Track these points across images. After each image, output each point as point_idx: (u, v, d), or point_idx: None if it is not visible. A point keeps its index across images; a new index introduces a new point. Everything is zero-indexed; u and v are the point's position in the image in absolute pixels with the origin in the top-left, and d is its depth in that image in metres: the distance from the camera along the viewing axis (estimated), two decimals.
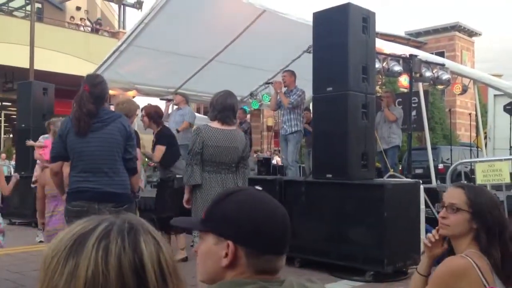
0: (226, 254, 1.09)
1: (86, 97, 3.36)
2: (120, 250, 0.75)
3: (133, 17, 22.08)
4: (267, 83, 9.00)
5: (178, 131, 8.05)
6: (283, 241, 1.13)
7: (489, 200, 1.95)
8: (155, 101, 9.63)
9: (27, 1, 20.09)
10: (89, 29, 21.45)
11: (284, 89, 7.74)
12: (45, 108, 9.26)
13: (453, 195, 1.99)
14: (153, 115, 5.85)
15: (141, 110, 6.25)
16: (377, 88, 9.41)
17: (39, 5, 21.04)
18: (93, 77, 3.59)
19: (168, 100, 8.99)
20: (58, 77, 15.00)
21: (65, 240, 0.78)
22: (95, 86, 3.44)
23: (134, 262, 0.75)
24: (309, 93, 7.17)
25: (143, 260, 0.75)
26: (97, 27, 21.55)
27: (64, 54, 17.55)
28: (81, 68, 15.48)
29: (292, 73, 7.74)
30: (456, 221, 1.95)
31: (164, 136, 5.81)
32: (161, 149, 5.68)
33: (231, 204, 1.14)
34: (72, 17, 21.91)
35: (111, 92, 9.25)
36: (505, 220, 1.93)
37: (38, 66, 15.04)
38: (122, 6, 22.66)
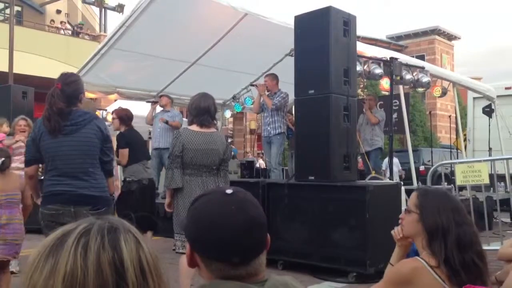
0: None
1: (57, 95, 3.28)
2: (99, 247, 0.75)
3: (114, 20, 22.02)
4: (251, 85, 8.98)
5: (166, 122, 8.03)
6: (229, 251, 1.10)
7: (436, 203, 2.00)
8: (140, 104, 9.59)
9: (6, 4, 19.81)
10: (70, 32, 21.24)
11: (267, 93, 7.76)
12: (25, 112, 9.07)
13: (410, 198, 2.13)
14: (124, 118, 5.86)
15: (112, 113, 6.25)
16: (359, 91, 9.51)
17: (19, 8, 20.77)
18: (66, 75, 3.48)
19: (154, 103, 8.93)
20: (38, 80, 14.81)
21: (48, 241, 0.79)
22: (67, 84, 3.36)
23: (114, 259, 0.75)
24: (291, 96, 7.20)
25: (123, 258, 0.76)
26: (78, 30, 21.35)
27: (44, 58, 17.34)
28: (61, 71, 15.27)
29: (274, 77, 7.75)
30: (407, 221, 2.07)
31: (123, 137, 5.78)
32: (124, 152, 5.65)
33: (191, 210, 1.20)
34: (52, 20, 21.67)
35: (91, 95, 9.18)
36: (451, 225, 1.93)
37: (17, 69, 14.82)
38: (103, 9, 22.48)
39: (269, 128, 7.66)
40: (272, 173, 7.68)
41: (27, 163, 3.44)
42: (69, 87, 3.36)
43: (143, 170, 5.75)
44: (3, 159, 4.12)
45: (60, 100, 3.28)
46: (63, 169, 3.30)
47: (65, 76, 3.45)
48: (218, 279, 1.11)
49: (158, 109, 8.80)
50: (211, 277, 1.12)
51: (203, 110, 4.00)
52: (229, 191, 1.17)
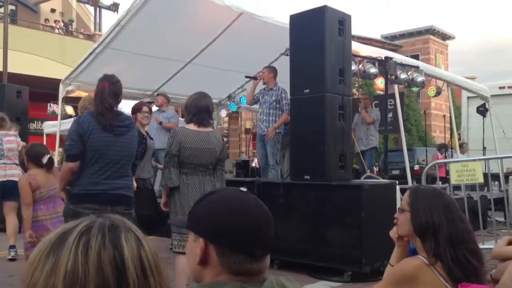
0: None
1: (108, 92, 3.40)
2: (100, 246, 0.76)
3: (109, 19, 22.02)
4: (248, 77, 8.73)
5: (160, 123, 7.94)
6: (253, 241, 1.13)
7: (427, 200, 1.99)
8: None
9: (0, 3, 19.74)
10: (64, 31, 21.17)
11: (263, 86, 7.65)
12: (19, 111, 9.08)
13: (403, 197, 2.13)
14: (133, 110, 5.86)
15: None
16: (354, 90, 9.53)
17: (13, 7, 20.68)
18: (110, 75, 3.59)
19: (150, 103, 8.86)
20: (33, 80, 14.76)
21: (48, 239, 0.79)
22: (113, 84, 3.49)
23: (114, 258, 0.75)
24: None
25: (124, 256, 0.76)
26: (67, 28, 21.22)
27: (39, 57, 17.27)
28: (56, 70, 15.27)
29: (272, 70, 7.53)
30: (401, 221, 2.07)
31: None
32: None
33: (205, 204, 1.20)
34: (46, 19, 21.61)
35: (86, 94, 9.15)
36: (442, 222, 1.93)
37: (12, 68, 14.76)
38: (97, 8, 22.43)
39: (262, 126, 7.54)
40: (269, 173, 7.52)
41: (74, 157, 3.40)
42: (115, 86, 3.49)
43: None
44: (48, 155, 4.19)
45: (110, 97, 3.40)
46: (108, 168, 3.38)
47: (109, 76, 3.57)
48: (229, 274, 1.10)
49: (154, 108, 8.74)
50: (219, 274, 1.11)
51: (203, 109, 4.01)
52: (243, 189, 1.22)
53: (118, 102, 3.53)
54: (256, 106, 8.78)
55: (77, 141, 3.37)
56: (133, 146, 3.56)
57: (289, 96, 7.27)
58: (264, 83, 7.55)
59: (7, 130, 6.65)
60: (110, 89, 3.42)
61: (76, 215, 3.25)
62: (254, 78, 7.96)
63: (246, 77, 8.72)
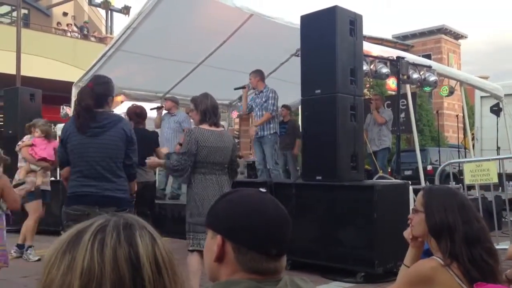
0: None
1: (87, 92, 3.41)
2: (116, 243, 0.76)
3: (120, 22, 22.24)
4: (236, 89, 8.46)
5: (181, 144, 7.86)
6: (268, 240, 1.14)
7: (441, 201, 1.98)
8: (148, 105, 9.55)
9: (13, 7, 19.95)
10: (76, 34, 21.35)
11: (252, 91, 7.64)
12: (33, 114, 9.13)
13: (417, 197, 2.12)
14: (131, 115, 5.88)
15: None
16: (365, 91, 9.46)
17: (26, 11, 20.92)
18: (99, 76, 3.63)
19: (159, 108, 8.86)
20: (45, 83, 14.89)
21: (63, 238, 0.80)
22: (99, 84, 3.49)
23: (130, 255, 0.76)
24: (297, 96, 7.15)
25: (139, 253, 0.77)
26: (83, 33, 21.40)
27: (51, 60, 17.43)
28: (68, 73, 15.39)
29: (258, 73, 7.38)
30: (415, 221, 2.05)
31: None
32: None
33: (224, 202, 1.22)
34: (58, 22, 21.80)
35: None
36: (458, 222, 1.90)
37: (25, 72, 14.92)
38: (109, 11, 22.60)
39: (258, 130, 7.40)
40: (271, 174, 7.47)
41: (61, 164, 3.54)
42: (99, 87, 3.48)
43: (143, 173, 5.62)
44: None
45: (89, 97, 3.39)
46: (89, 170, 3.39)
47: (97, 77, 3.61)
48: (245, 272, 1.12)
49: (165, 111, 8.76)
50: (235, 271, 1.13)
51: (216, 107, 4.13)
52: (262, 189, 1.25)
53: (103, 102, 3.46)
54: None
55: (61, 148, 3.48)
56: (112, 147, 3.44)
57: (277, 96, 7.28)
58: (253, 88, 7.52)
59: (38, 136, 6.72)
60: (93, 89, 3.43)
61: (67, 216, 3.33)
62: (243, 87, 7.64)
63: (235, 88, 8.30)
